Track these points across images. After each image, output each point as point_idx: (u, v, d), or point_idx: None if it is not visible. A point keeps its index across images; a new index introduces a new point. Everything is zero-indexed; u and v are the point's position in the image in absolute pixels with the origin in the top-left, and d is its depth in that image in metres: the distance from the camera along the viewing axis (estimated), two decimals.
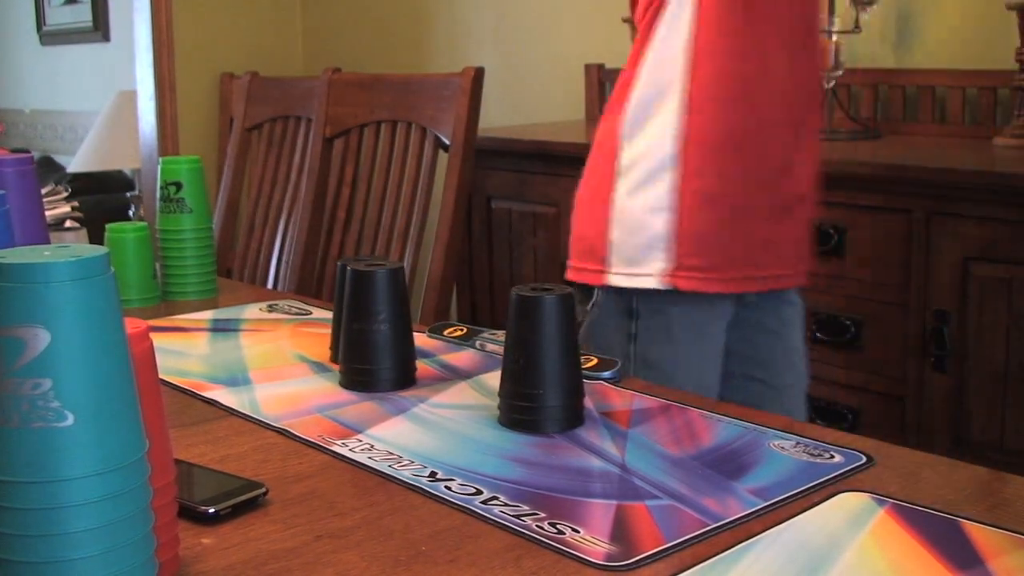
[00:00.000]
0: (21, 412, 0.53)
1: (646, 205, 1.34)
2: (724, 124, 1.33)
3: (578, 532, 0.72)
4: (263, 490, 0.78)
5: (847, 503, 0.77)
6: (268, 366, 1.12)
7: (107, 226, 1.41)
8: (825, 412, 1.95)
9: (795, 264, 1.42)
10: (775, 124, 1.36)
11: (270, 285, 2.35)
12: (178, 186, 1.46)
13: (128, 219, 3.83)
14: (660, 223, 1.34)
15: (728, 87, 1.32)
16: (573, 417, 0.93)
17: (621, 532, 0.73)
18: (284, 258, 2.35)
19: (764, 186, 1.36)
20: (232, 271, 2.46)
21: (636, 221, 1.35)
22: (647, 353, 1.38)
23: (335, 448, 0.88)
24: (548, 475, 0.83)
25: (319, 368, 1.11)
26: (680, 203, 1.33)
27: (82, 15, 4.87)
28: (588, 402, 0.97)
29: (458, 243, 2.07)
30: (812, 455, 0.86)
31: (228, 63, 3.35)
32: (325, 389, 1.04)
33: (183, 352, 1.18)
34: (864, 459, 0.85)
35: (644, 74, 1.36)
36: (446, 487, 0.80)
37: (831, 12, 2.23)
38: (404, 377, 1.04)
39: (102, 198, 4.05)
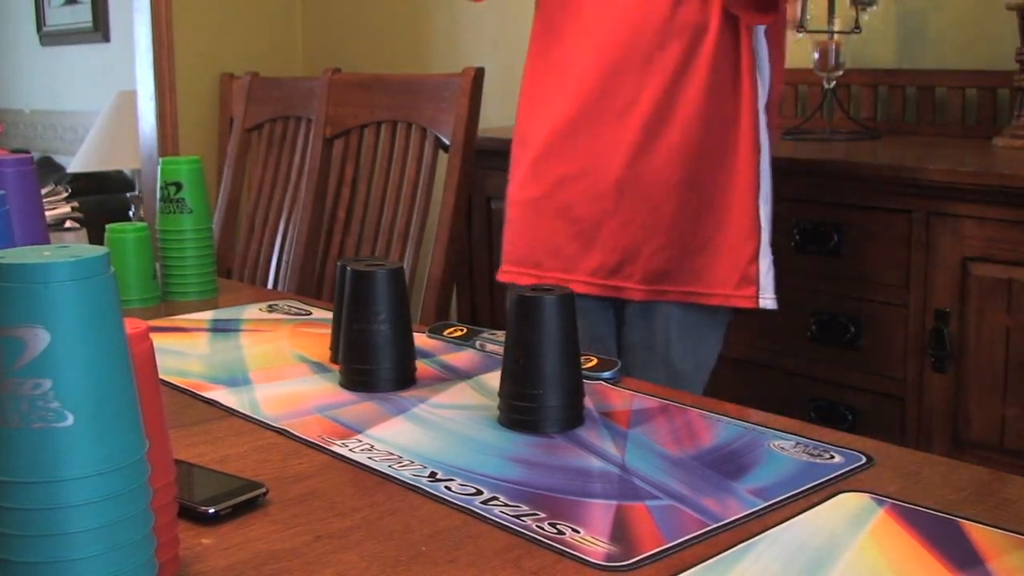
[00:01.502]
0: (21, 412, 0.53)
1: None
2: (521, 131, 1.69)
3: (578, 532, 0.72)
4: (263, 490, 0.78)
5: (847, 503, 0.77)
6: (268, 366, 1.12)
7: (107, 226, 1.41)
8: (825, 412, 1.95)
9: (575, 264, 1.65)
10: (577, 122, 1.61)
11: (270, 285, 2.35)
12: (178, 186, 1.46)
13: (128, 219, 3.83)
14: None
15: (531, 96, 1.67)
16: (573, 417, 0.93)
17: (621, 532, 0.73)
18: (284, 258, 2.35)
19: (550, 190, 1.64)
20: (232, 271, 2.46)
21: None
22: None
23: (335, 448, 0.88)
24: (548, 475, 0.83)
25: (319, 368, 1.11)
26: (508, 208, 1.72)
27: (82, 15, 4.87)
28: (588, 402, 0.97)
29: (458, 243, 2.07)
30: (812, 455, 0.86)
31: (228, 63, 3.34)
32: (325, 389, 1.04)
33: (183, 352, 1.18)
34: (864, 459, 0.85)
35: None
36: (446, 487, 0.80)
37: (831, 12, 2.23)
38: (404, 377, 1.04)
39: (102, 198, 4.05)
